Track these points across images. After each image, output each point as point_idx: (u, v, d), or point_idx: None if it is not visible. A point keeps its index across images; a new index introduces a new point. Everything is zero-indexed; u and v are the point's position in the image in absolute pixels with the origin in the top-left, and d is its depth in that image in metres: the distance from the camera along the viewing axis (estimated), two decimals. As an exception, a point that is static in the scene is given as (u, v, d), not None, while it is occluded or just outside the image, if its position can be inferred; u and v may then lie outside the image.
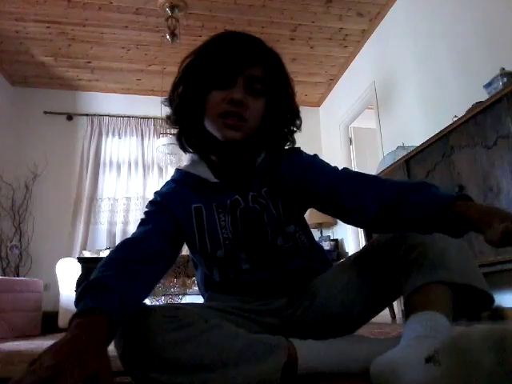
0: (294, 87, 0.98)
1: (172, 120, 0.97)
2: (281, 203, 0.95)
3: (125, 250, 0.83)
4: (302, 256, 0.97)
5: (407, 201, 0.78)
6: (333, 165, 0.99)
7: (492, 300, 0.78)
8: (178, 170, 1.01)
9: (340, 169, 0.96)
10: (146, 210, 0.95)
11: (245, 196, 0.94)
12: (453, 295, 0.73)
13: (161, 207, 0.93)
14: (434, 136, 2.45)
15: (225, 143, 0.90)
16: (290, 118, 0.98)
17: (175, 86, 0.95)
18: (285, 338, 0.81)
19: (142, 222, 0.92)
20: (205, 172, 0.95)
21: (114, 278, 0.72)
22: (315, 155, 1.01)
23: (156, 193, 0.98)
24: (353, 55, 4.52)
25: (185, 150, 0.99)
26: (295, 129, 0.99)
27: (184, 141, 0.97)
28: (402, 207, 0.79)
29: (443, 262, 0.74)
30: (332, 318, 0.92)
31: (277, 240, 0.93)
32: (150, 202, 0.96)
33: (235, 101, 0.85)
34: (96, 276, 0.72)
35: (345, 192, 0.89)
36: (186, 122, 0.94)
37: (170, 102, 0.96)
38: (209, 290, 1.01)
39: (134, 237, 0.87)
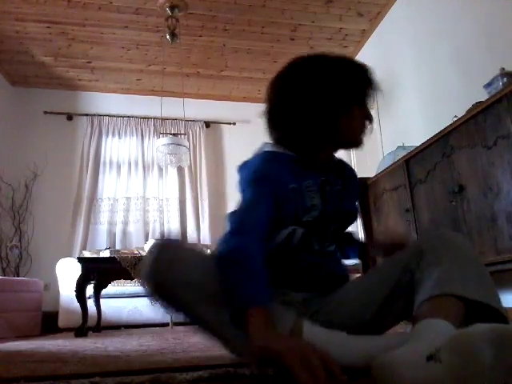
0: None
1: (284, 138, 1.07)
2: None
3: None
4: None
5: None
6: None
7: (505, 319, 0.78)
8: (266, 151, 1.07)
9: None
10: (256, 187, 0.98)
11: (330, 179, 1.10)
12: (465, 310, 0.74)
13: (269, 189, 0.97)
14: (434, 136, 2.45)
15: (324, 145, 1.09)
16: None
17: (300, 106, 1.05)
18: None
19: (254, 204, 0.96)
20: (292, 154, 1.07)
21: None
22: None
23: (258, 171, 1.01)
24: (353, 55, 4.51)
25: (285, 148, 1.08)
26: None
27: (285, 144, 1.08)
28: None
29: (460, 275, 0.77)
30: (342, 324, 0.92)
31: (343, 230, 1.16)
32: (256, 180, 0.99)
33: (370, 118, 1.17)
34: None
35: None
36: (303, 134, 1.05)
37: (285, 120, 1.06)
38: None
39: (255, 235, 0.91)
